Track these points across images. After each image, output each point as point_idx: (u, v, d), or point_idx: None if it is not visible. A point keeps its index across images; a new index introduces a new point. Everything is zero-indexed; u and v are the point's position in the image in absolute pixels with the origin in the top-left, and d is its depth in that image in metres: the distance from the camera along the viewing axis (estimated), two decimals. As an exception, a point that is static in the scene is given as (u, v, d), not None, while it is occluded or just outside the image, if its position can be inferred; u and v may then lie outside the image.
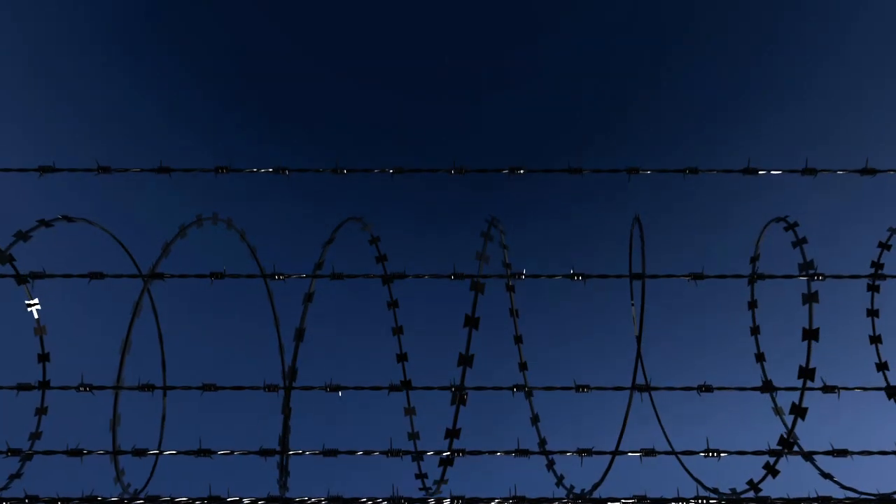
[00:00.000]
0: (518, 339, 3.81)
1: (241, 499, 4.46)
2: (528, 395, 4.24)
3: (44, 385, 3.98)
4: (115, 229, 4.32)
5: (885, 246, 4.21)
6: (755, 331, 4.01)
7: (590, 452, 3.89)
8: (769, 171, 3.65)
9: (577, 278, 3.40)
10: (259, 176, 8.79)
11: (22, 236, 3.83)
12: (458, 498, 3.90)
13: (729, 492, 4.21)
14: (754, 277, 3.82)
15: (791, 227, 3.90)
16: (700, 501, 3.91)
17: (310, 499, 4.40)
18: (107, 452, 3.43)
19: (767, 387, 3.77)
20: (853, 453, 3.85)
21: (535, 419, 4.23)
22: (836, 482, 4.03)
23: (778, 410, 4.40)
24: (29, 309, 4.42)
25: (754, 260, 3.74)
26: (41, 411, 4.10)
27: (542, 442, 4.24)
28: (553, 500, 4.67)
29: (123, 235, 4.47)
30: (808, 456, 4.20)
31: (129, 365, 3.81)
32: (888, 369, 4.01)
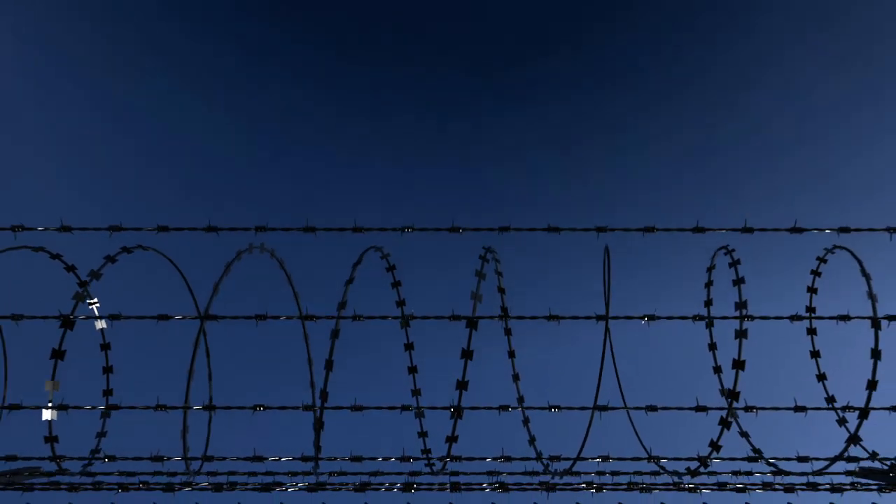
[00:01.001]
0: (515, 378, 4.62)
1: (279, 458, 5.41)
2: (521, 402, 5.09)
3: (120, 406, 4.86)
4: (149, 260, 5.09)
5: (816, 274, 4.96)
6: (717, 370, 4.81)
7: (558, 458, 4.76)
8: (710, 229, 4.36)
9: (555, 320, 4.19)
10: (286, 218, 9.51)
11: (95, 275, 4.62)
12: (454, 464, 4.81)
13: (685, 470, 5.12)
14: (710, 322, 4.62)
15: (734, 263, 4.66)
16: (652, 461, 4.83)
17: (334, 457, 5.36)
18: (181, 459, 4.31)
19: (701, 408, 4.62)
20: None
21: (520, 399, 5.10)
22: (763, 458, 4.92)
23: (732, 414, 5.27)
24: (98, 326, 5.25)
25: (708, 304, 4.50)
26: (105, 412, 4.99)
27: (526, 419, 5.12)
28: (532, 473, 5.61)
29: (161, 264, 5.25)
30: (745, 434, 5.09)
31: (171, 386, 4.65)
32: (835, 401, 4.82)
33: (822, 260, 5.03)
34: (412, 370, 4.88)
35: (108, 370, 5.43)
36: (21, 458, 5.31)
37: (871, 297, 4.22)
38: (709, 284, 5.19)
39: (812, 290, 4.60)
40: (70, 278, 4.94)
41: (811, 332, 4.58)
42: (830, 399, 4.85)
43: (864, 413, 4.39)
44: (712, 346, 5.13)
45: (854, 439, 4.43)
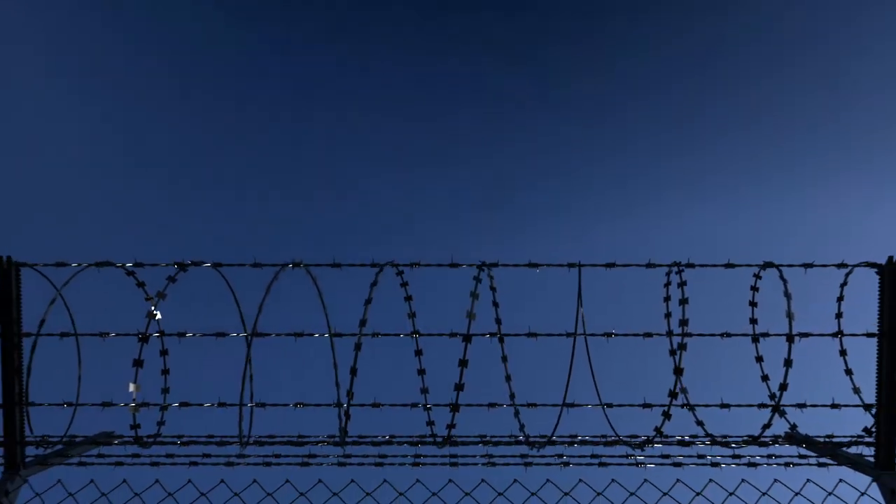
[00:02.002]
0: (508, 378, 5.68)
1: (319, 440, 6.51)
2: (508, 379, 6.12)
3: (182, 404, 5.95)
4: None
5: (754, 289, 5.97)
6: (674, 354, 5.84)
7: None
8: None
9: (532, 336, 5.24)
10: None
11: (161, 296, 5.69)
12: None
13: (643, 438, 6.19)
14: (682, 345, 5.63)
15: (682, 283, 5.67)
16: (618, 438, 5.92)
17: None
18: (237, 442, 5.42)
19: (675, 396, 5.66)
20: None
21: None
22: (703, 429, 5.97)
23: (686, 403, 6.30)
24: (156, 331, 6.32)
25: (684, 324, 5.51)
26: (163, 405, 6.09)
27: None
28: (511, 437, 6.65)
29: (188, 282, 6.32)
30: (691, 407, 6.15)
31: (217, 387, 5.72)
32: (769, 378, 5.85)
33: (757, 276, 6.02)
34: (421, 372, 5.95)
35: (165, 372, 6.52)
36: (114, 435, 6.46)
37: (789, 315, 5.24)
38: (667, 299, 6.22)
39: (753, 304, 5.61)
40: (132, 300, 6.01)
41: (755, 339, 5.58)
42: (765, 378, 5.87)
43: (782, 386, 5.40)
44: (672, 353, 6.16)
45: (776, 409, 5.45)
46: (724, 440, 6.00)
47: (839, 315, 5.66)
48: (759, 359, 6.00)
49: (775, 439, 6.11)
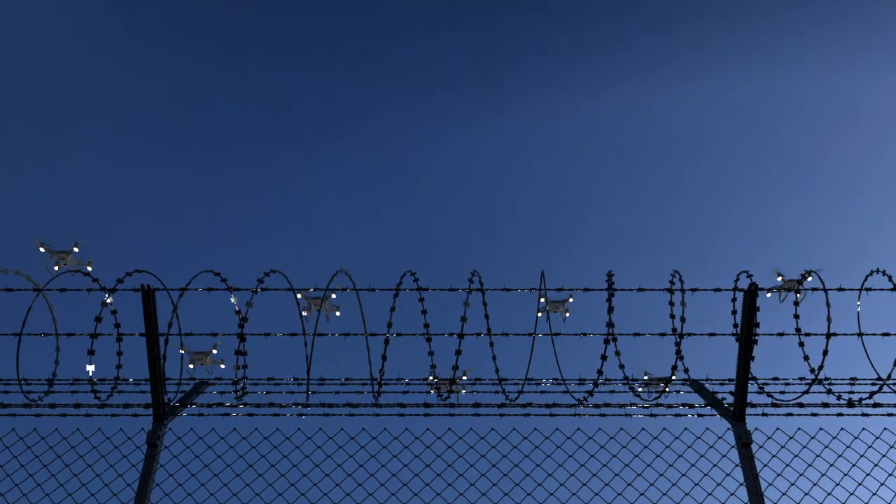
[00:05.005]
0: (497, 374, 8.28)
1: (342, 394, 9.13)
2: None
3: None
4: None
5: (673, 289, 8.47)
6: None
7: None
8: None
9: (507, 336, 7.82)
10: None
11: (249, 305, 8.25)
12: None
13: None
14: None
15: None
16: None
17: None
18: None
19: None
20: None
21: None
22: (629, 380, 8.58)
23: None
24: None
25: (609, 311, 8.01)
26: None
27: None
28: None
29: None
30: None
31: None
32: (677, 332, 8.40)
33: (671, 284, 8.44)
34: (430, 353, 8.55)
35: (243, 353, 9.07)
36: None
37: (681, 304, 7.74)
38: (610, 306, 8.74)
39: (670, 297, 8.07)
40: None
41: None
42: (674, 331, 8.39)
43: (680, 335, 7.93)
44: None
45: (678, 356, 8.00)
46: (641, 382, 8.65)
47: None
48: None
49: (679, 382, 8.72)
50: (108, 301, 8.08)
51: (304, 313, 8.34)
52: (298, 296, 8.34)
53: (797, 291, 7.75)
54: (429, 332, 8.19)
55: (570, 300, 9.58)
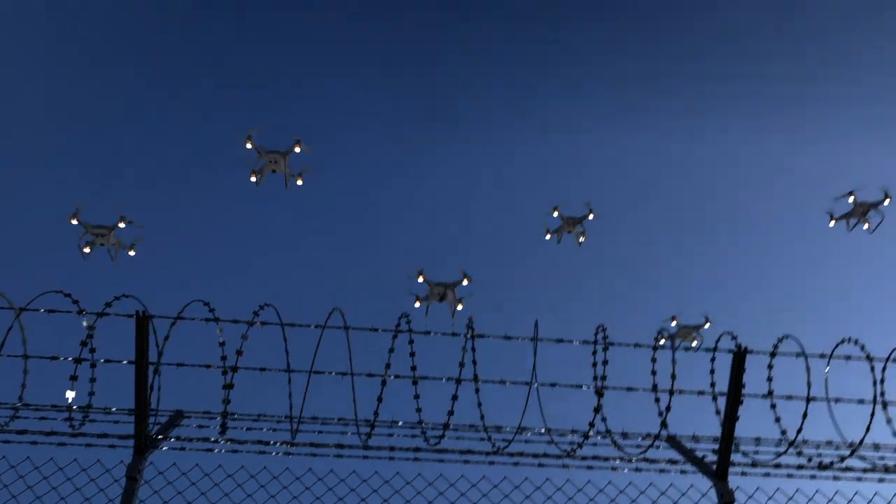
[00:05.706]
0: (479, 405, 8.34)
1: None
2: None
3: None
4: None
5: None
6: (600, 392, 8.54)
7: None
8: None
9: (503, 383, 7.90)
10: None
11: (244, 338, 8.12)
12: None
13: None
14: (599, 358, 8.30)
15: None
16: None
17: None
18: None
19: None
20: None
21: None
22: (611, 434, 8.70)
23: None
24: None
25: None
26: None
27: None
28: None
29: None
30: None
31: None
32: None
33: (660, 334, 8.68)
34: (416, 397, 8.55)
35: (230, 386, 8.89)
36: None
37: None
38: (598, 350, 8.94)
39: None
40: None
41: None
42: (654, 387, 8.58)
43: (671, 392, 8.10)
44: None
45: (666, 415, 8.17)
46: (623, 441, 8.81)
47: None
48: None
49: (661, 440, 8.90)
50: (91, 325, 7.82)
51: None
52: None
53: (866, 220, 8.00)
54: (416, 375, 8.23)
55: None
